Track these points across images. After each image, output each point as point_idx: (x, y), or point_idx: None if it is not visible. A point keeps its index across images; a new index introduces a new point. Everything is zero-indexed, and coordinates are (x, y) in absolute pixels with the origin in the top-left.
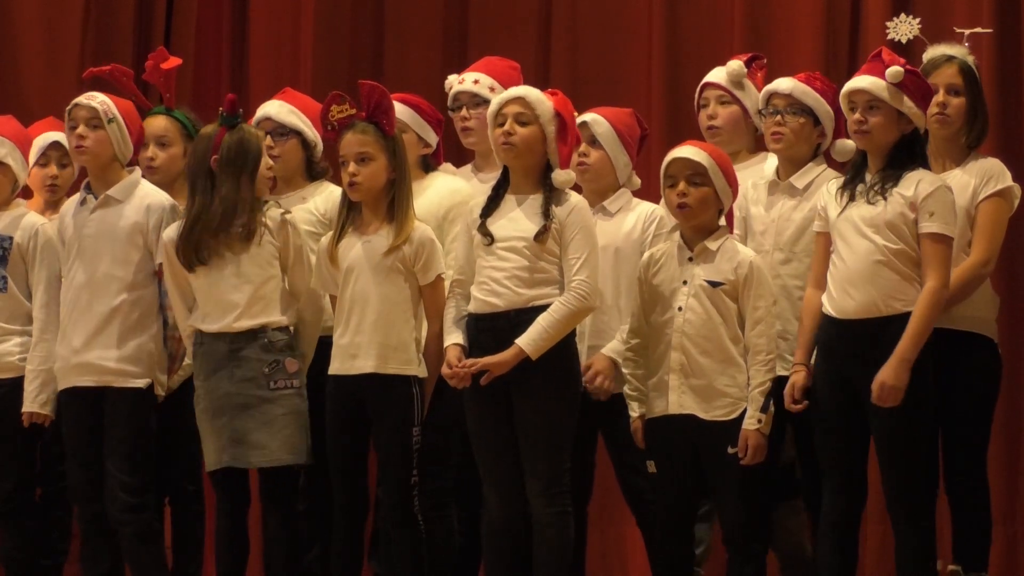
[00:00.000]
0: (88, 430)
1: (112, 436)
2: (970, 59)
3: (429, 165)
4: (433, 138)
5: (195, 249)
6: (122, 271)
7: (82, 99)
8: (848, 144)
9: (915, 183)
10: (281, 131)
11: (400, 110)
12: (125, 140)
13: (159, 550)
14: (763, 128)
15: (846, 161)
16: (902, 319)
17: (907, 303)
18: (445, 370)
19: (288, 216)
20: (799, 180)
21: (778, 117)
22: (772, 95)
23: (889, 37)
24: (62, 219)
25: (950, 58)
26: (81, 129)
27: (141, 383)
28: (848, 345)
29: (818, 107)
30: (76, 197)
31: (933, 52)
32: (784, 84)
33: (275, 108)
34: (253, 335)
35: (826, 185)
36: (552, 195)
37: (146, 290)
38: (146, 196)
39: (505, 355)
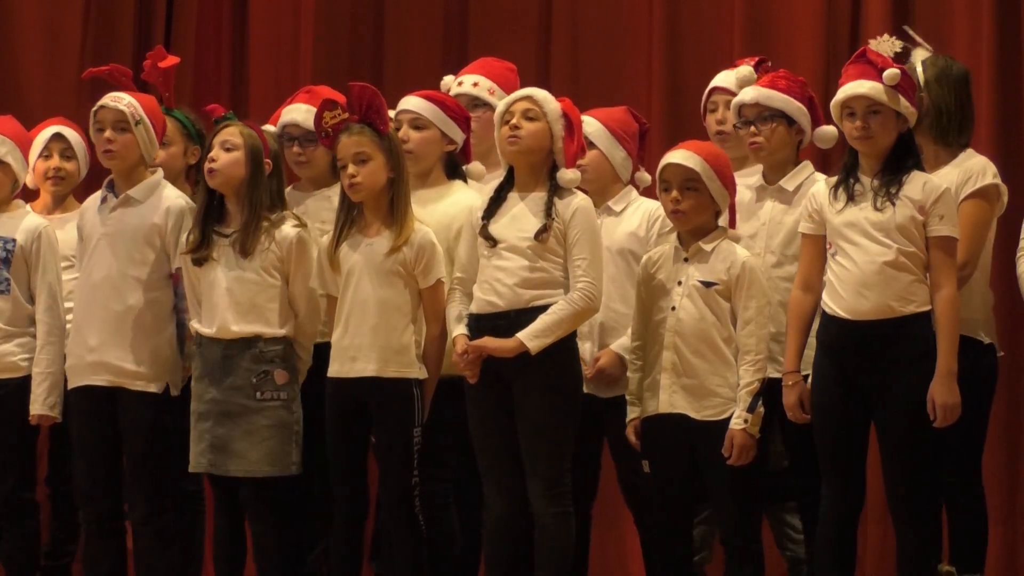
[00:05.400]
0: (99, 430)
1: (130, 441)
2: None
3: (455, 163)
4: (459, 135)
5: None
6: (138, 271)
7: (108, 101)
8: (829, 131)
9: (921, 185)
10: (309, 137)
11: (423, 106)
12: (152, 142)
13: (175, 553)
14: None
15: (829, 148)
16: (915, 319)
17: (919, 304)
18: (456, 359)
19: (300, 233)
20: (789, 183)
21: (751, 128)
22: (741, 107)
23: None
24: (83, 216)
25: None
26: (108, 133)
27: (156, 387)
28: (859, 346)
29: (787, 107)
30: (99, 194)
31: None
32: (748, 94)
33: (303, 115)
34: (246, 343)
35: (814, 187)
36: (556, 194)
37: (161, 292)
38: (166, 198)
39: (506, 342)
